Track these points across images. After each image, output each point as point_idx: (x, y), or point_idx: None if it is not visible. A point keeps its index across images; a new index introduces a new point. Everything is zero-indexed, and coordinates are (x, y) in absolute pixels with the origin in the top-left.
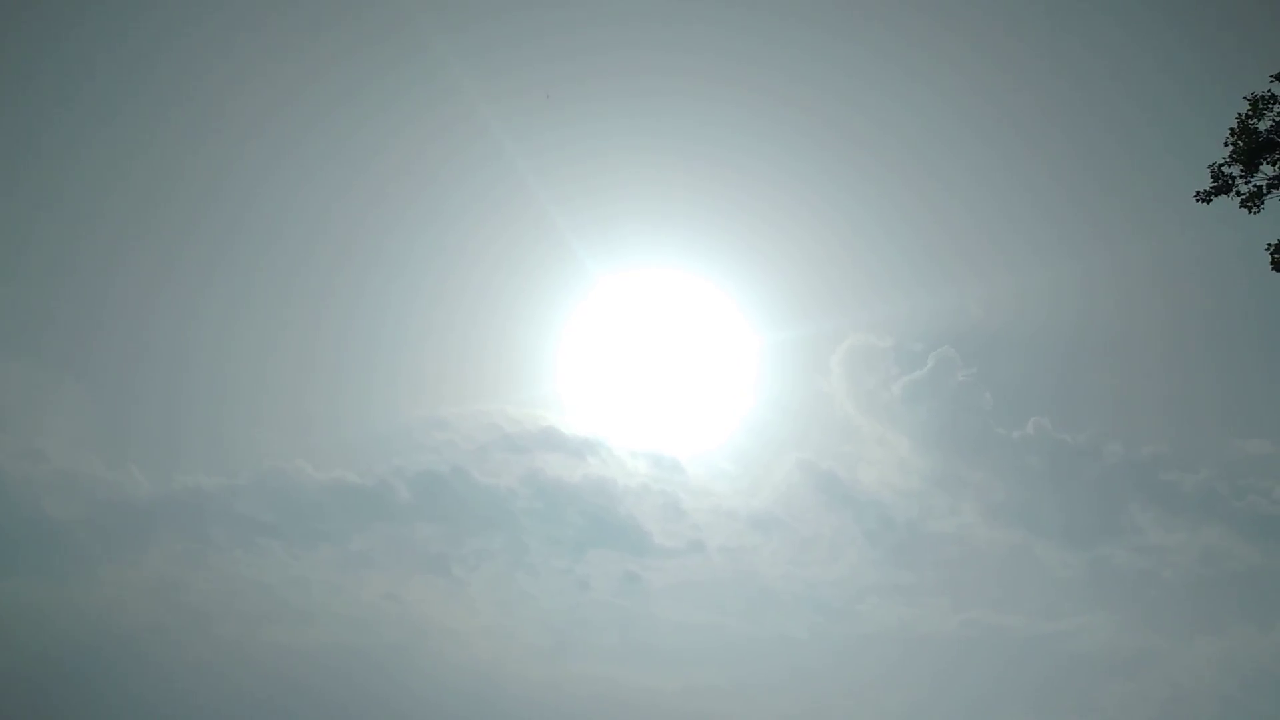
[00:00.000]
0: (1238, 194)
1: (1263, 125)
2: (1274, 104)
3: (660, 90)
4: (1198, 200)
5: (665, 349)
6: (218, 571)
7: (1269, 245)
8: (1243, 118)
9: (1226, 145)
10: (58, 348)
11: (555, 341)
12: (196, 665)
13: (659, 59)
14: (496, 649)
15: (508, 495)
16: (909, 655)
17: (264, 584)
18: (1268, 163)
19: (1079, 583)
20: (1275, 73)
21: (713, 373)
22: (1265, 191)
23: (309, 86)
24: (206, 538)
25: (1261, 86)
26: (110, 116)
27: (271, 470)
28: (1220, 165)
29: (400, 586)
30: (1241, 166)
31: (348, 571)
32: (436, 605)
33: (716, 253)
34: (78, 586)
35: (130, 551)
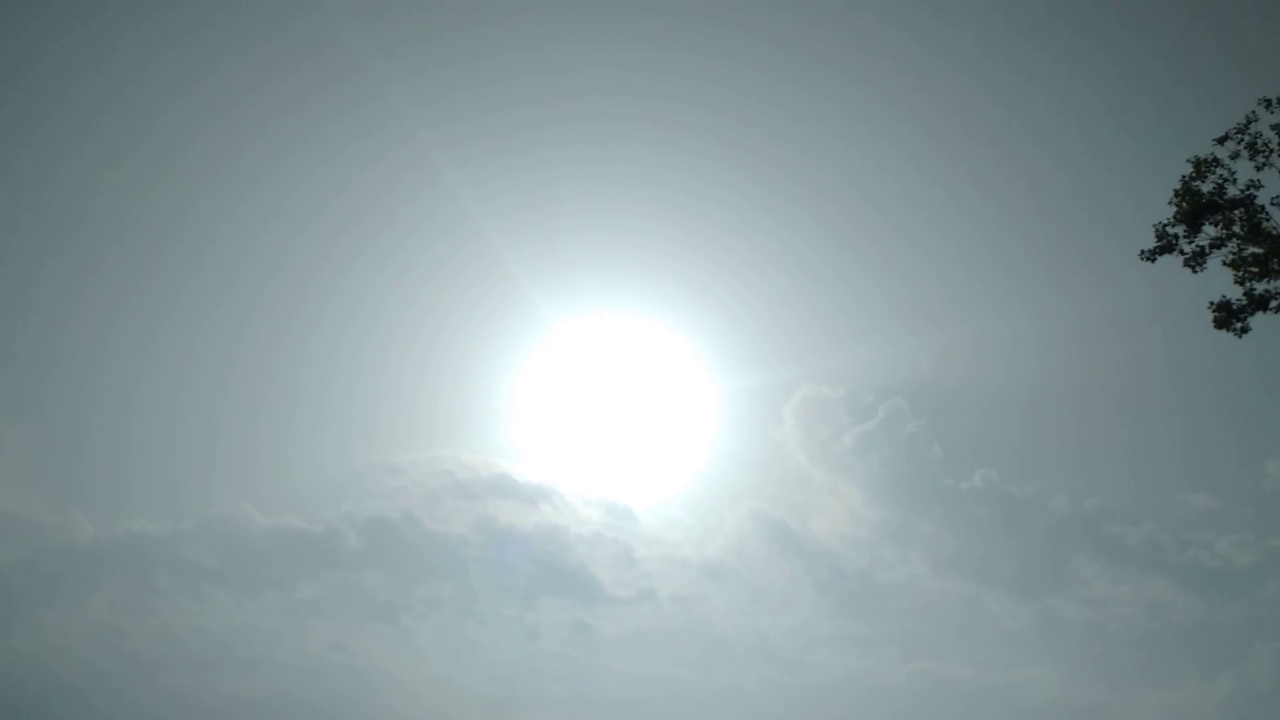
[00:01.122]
0: (1181, 253)
1: (1205, 187)
2: (1216, 166)
3: (616, 136)
4: (1143, 259)
5: (620, 396)
6: (162, 619)
7: (1210, 303)
8: (1186, 179)
9: (1170, 205)
10: (2, 389)
11: (510, 388)
12: (140, 714)
13: (614, 105)
14: (444, 699)
15: (458, 543)
16: (860, 707)
17: (208, 631)
18: (1210, 223)
19: (1028, 634)
20: (1218, 136)
21: (668, 420)
22: (1208, 251)
23: (262, 134)
24: (151, 584)
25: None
26: (62, 159)
27: (218, 516)
28: (1165, 225)
29: (347, 635)
30: (1185, 226)
31: (294, 620)
32: (384, 654)
33: (673, 299)
34: (19, 632)
35: (73, 597)
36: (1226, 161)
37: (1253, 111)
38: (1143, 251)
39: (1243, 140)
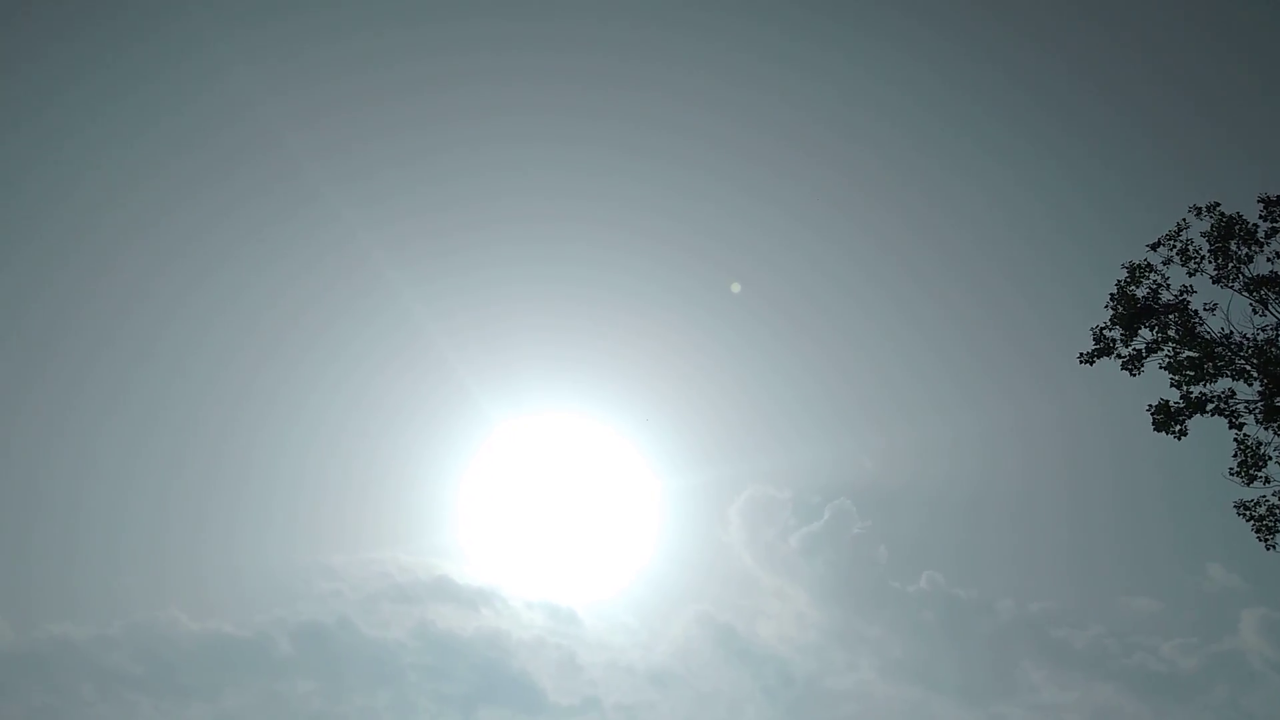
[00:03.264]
0: (1119, 356)
1: (1140, 292)
2: (1150, 272)
3: (559, 236)
4: (1081, 361)
5: (564, 495)
6: None
7: (1149, 406)
8: (1121, 284)
9: (1107, 309)
10: None
11: (452, 487)
12: None
13: (557, 205)
14: None
15: (396, 648)
16: None
17: None
18: (1146, 327)
19: None
20: (1151, 242)
21: (612, 520)
22: (1145, 355)
23: (202, 238)
24: (72, 691)
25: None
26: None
27: (144, 620)
28: (1102, 328)
29: None
30: (1122, 330)
31: None
32: None
33: (617, 397)
34: None
35: None
36: (1160, 267)
37: (1184, 219)
38: (1081, 354)
39: (1175, 247)
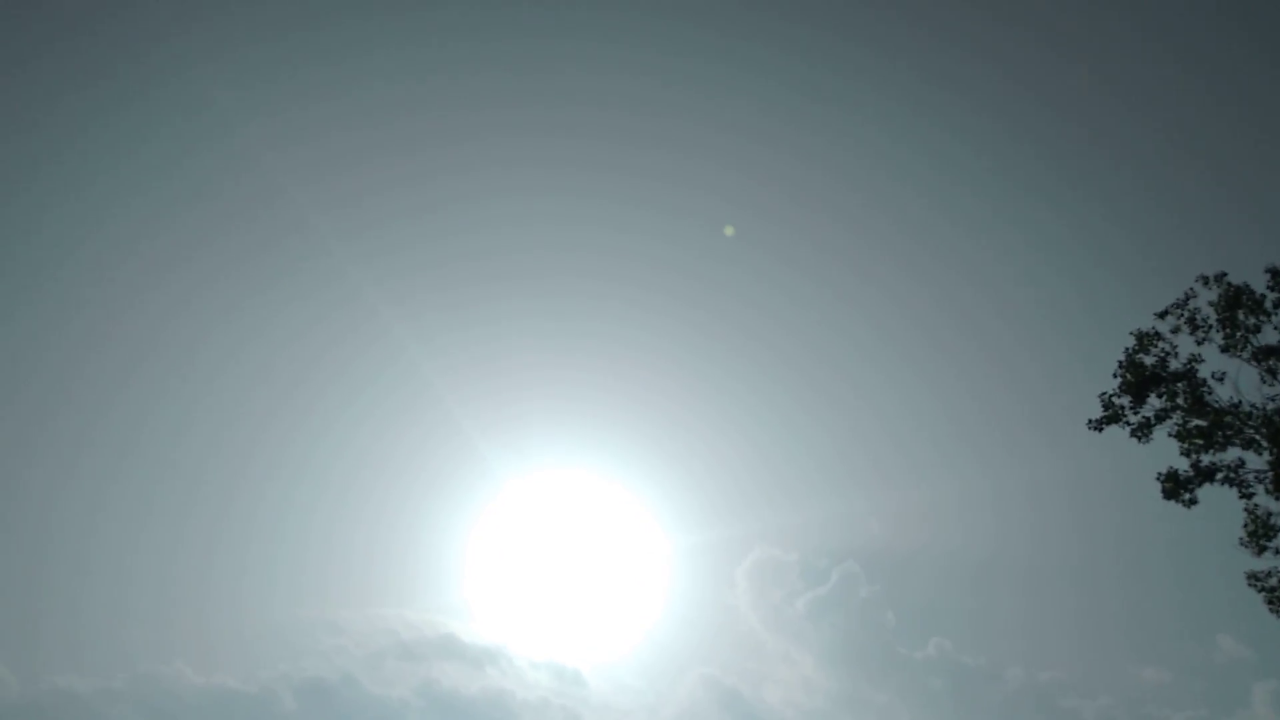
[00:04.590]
0: (1127, 424)
1: (1148, 360)
2: (1158, 340)
3: (567, 291)
4: (1090, 428)
5: (572, 553)
6: None
7: (1159, 474)
8: (1129, 352)
9: (1115, 376)
10: None
11: (459, 544)
12: None
13: (565, 260)
14: None
15: (400, 707)
16: None
17: None
18: (1155, 395)
19: None
20: (1160, 310)
21: (620, 579)
22: (1154, 422)
23: (207, 293)
24: None
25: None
26: (5, 325)
27: (149, 673)
28: (1110, 395)
29: None
30: (1130, 398)
31: None
32: None
33: (625, 453)
34: None
35: None
36: (1168, 335)
37: (1191, 288)
38: (1090, 421)
39: (1182, 315)
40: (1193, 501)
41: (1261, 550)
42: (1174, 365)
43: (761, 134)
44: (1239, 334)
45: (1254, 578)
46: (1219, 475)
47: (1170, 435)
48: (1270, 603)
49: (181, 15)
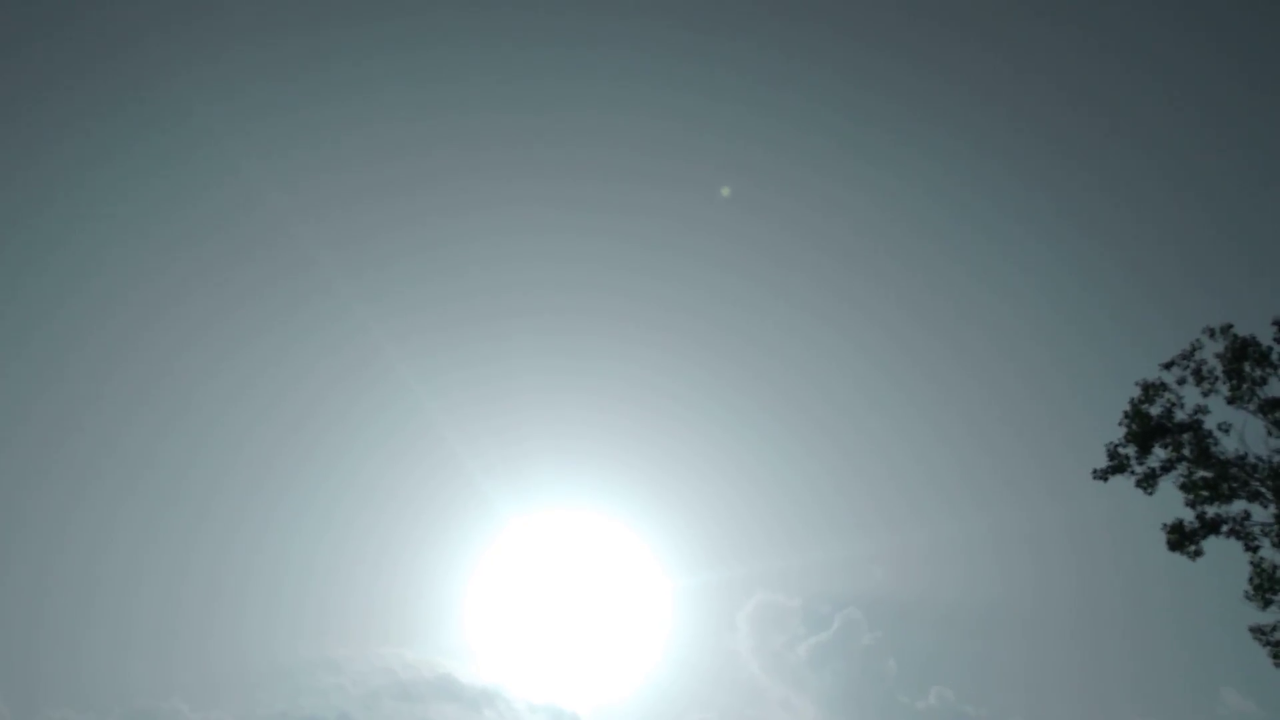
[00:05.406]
0: (1133, 474)
1: (1154, 410)
2: (1164, 391)
3: (571, 330)
4: (1095, 477)
5: (572, 594)
6: None
7: (1164, 525)
8: (1135, 402)
9: (1121, 426)
10: None
11: (460, 583)
12: None
13: (569, 299)
14: None
15: None
16: None
17: None
18: (1160, 446)
19: None
20: (1166, 361)
21: (621, 620)
22: (1159, 473)
23: (214, 330)
24: None
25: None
26: (10, 356)
27: (146, 709)
28: (1116, 445)
29: None
30: (1136, 448)
31: None
32: None
33: (628, 494)
34: None
35: None
36: (1174, 386)
37: (1197, 339)
38: (1095, 470)
39: (1188, 366)
40: (1198, 553)
41: (1267, 604)
42: (1180, 416)
43: (775, 166)
44: (1245, 386)
45: (1258, 631)
46: (1224, 527)
47: (1176, 486)
48: (1275, 656)
49: (192, 57)
